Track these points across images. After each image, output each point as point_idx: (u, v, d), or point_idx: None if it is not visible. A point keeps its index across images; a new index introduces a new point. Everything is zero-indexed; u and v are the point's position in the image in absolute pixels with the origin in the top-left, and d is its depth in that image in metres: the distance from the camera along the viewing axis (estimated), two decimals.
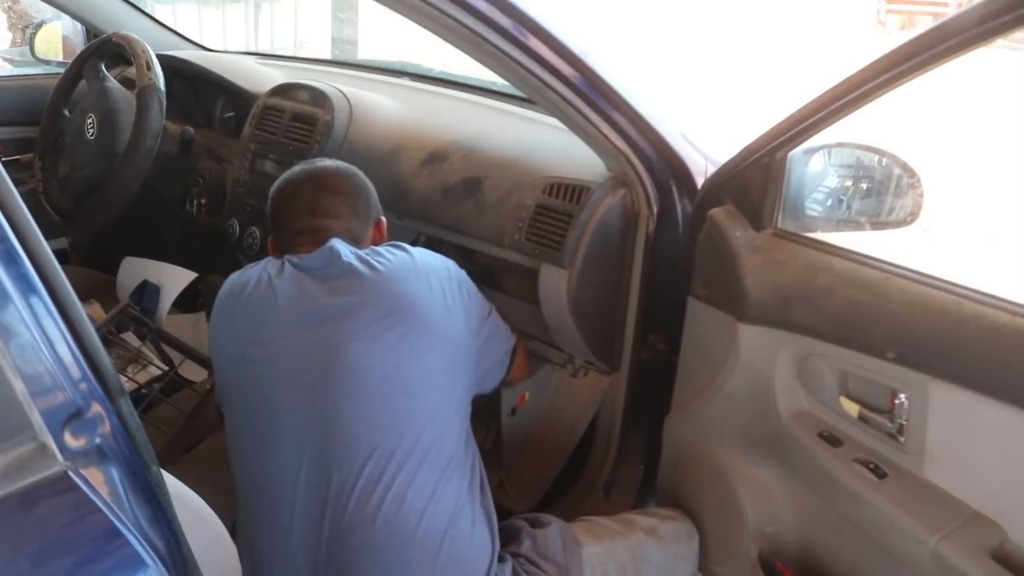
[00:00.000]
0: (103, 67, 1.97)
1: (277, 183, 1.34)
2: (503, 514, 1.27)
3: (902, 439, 1.06)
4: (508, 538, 1.23)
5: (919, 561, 1.02)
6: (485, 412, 1.61)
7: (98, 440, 0.68)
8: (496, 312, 1.35)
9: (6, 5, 3.81)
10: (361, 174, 1.36)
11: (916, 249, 1.38)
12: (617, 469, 1.59)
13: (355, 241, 1.27)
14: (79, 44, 2.39)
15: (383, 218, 1.37)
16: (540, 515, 1.29)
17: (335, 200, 1.29)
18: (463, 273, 1.29)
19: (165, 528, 0.73)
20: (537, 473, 1.64)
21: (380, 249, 1.24)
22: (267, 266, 1.24)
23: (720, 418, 1.32)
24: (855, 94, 1.03)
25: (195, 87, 2.20)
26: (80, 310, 0.69)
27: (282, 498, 1.13)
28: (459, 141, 1.63)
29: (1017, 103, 6.19)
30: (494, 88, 1.93)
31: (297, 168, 1.35)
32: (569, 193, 1.42)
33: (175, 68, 2.13)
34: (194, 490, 1.00)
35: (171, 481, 0.86)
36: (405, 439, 1.11)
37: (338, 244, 1.21)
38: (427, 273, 1.22)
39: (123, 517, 0.68)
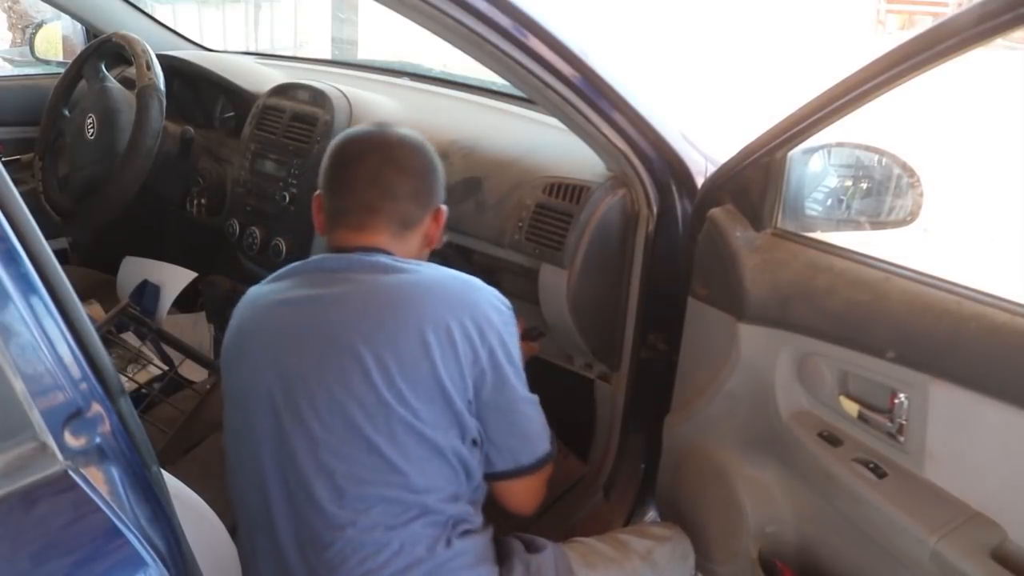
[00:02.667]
0: (103, 67, 1.97)
1: (340, 140, 1.19)
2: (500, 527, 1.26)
3: (902, 439, 1.06)
4: (500, 559, 1.15)
5: (919, 560, 1.02)
6: None
7: (98, 440, 0.68)
8: (537, 415, 1.15)
9: (6, 5, 3.81)
10: (432, 153, 1.21)
11: (916, 249, 1.38)
12: (617, 469, 1.59)
13: (405, 227, 1.16)
14: (79, 44, 2.39)
15: (444, 207, 1.22)
16: (536, 538, 1.20)
17: (400, 178, 1.15)
18: (502, 324, 1.10)
19: (165, 528, 0.73)
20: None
21: (410, 264, 1.12)
22: (287, 273, 1.16)
23: (720, 418, 1.32)
24: (854, 94, 1.03)
25: (195, 87, 2.20)
26: (80, 310, 0.69)
27: (265, 525, 1.09)
28: (459, 141, 1.63)
29: (1017, 103, 6.19)
30: (494, 88, 1.94)
31: (363, 129, 1.21)
32: (569, 193, 1.42)
33: (175, 68, 2.13)
34: (194, 490, 1.01)
35: (171, 481, 0.86)
36: (368, 486, 1.03)
37: (368, 257, 1.11)
38: (429, 304, 1.07)
39: (123, 516, 0.68)
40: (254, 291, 1.17)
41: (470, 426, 1.09)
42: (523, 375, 1.14)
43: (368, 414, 1.03)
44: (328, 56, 5.81)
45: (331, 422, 1.04)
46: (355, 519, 1.03)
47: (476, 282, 1.13)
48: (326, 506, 1.03)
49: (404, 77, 2.15)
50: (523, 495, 1.19)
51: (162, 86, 1.81)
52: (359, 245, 1.14)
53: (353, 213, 1.15)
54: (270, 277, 1.18)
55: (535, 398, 1.16)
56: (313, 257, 1.17)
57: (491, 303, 1.12)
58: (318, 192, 1.20)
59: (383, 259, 1.11)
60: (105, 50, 1.96)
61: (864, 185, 1.24)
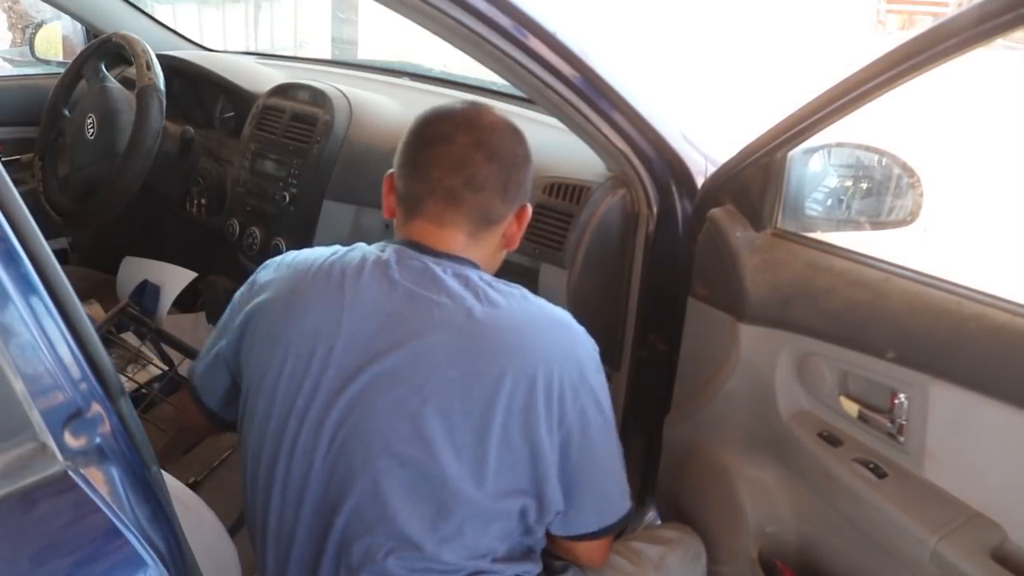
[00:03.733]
0: (103, 67, 1.97)
1: (426, 115, 1.07)
2: None
3: (902, 439, 1.06)
4: None
5: (919, 561, 1.02)
6: None
7: (98, 440, 0.68)
8: (622, 471, 1.06)
9: (6, 5, 3.81)
10: (527, 143, 1.08)
11: (916, 249, 1.38)
12: None
13: (487, 224, 1.04)
14: (79, 44, 2.39)
15: (529, 206, 1.09)
16: (555, 561, 1.13)
17: (489, 167, 1.02)
18: (595, 373, 1.01)
19: (165, 528, 0.73)
20: None
21: (501, 290, 0.99)
22: (347, 256, 1.02)
23: (720, 418, 1.32)
24: (855, 94, 1.03)
25: (195, 87, 2.20)
26: (80, 310, 0.69)
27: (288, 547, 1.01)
28: None
29: (1017, 103, 6.19)
30: (494, 88, 1.93)
31: (456, 105, 1.07)
32: (569, 193, 1.42)
33: (175, 68, 2.13)
34: (194, 490, 1.00)
35: (171, 481, 0.86)
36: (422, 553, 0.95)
37: (459, 269, 1.00)
38: (524, 356, 0.95)
39: (123, 517, 0.68)
40: (308, 259, 1.04)
41: (551, 496, 0.99)
42: (613, 425, 1.03)
43: (426, 484, 0.95)
44: (328, 56, 5.81)
45: (393, 474, 0.94)
46: None
47: (573, 325, 1.02)
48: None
49: (404, 77, 2.15)
50: (595, 552, 1.10)
51: (162, 86, 1.81)
52: (441, 250, 1.02)
53: (430, 201, 1.02)
54: (326, 252, 1.04)
55: (620, 450, 1.05)
56: (392, 246, 1.03)
57: (587, 351, 1.01)
58: (390, 171, 1.08)
59: (473, 276, 1.00)
60: (105, 50, 1.96)
61: (864, 185, 1.24)
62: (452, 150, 1.02)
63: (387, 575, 0.96)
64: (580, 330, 1.02)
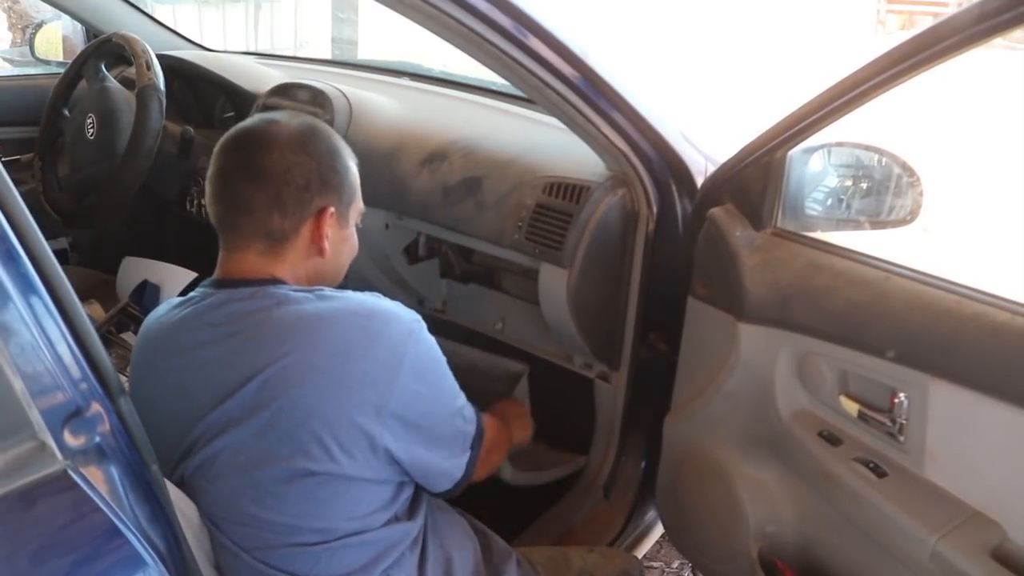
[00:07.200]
0: (103, 67, 1.97)
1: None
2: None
3: (902, 438, 1.06)
4: None
5: (919, 560, 1.02)
6: None
7: (98, 439, 0.68)
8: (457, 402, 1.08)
9: (6, 5, 3.81)
10: (313, 145, 1.03)
11: (916, 249, 1.38)
12: (617, 468, 1.59)
13: (274, 242, 1.01)
14: (79, 44, 2.39)
15: (332, 209, 1.04)
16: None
17: (252, 188, 1.00)
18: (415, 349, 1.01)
19: (165, 527, 0.73)
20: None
21: (302, 293, 1.00)
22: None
23: (720, 417, 1.32)
24: (854, 93, 1.03)
25: (195, 87, 2.20)
26: (80, 310, 0.69)
27: None
28: (459, 141, 1.63)
29: (1017, 103, 6.19)
30: (494, 88, 1.94)
31: (239, 126, 1.06)
32: (569, 192, 1.42)
33: (175, 68, 2.13)
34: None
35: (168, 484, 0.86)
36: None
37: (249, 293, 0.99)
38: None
39: (123, 516, 0.68)
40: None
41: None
42: (444, 381, 1.06)
43: None
44: (328, 56, 5.81)
45: None
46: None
47: (376, 312, 1.00)
48: None
49: (404, 77, 2.15)
50: (480, 470, 1.12)
51: (162, 86, 1.81)
52: (238, 277, 1.02)
53: (223, 232, 1.03)
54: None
55: (454, 396, 1.08)
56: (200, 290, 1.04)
57: (397, 330, 1.02)
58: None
59: (271, 289, 0.99)
60: (105, 50, 1.96)
61: (864, 185, 1.24)
62: (223, 176, 1.03)
63: None
64: (386, 311, 0.99)
